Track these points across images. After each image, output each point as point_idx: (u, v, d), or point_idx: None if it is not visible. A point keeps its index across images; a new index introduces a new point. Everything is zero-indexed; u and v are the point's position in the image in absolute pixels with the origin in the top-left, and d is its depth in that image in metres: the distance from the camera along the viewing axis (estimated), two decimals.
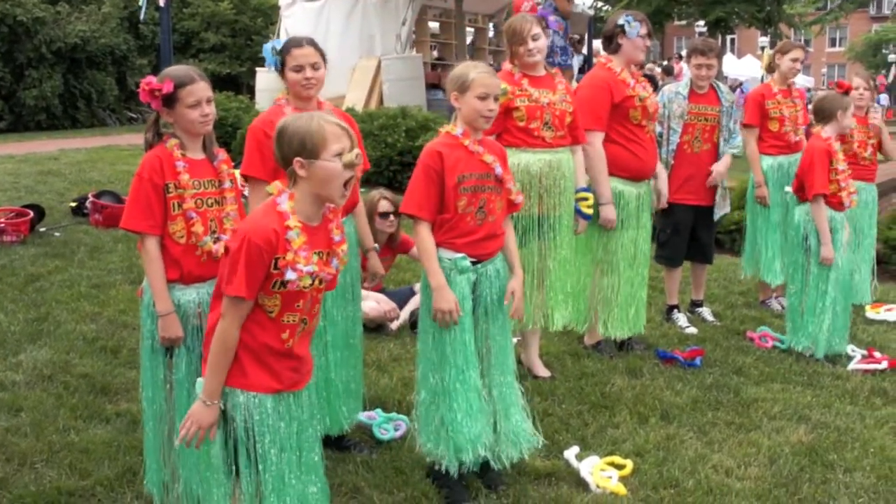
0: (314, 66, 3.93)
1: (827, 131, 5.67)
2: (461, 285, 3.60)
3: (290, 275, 2.69)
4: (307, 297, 2.80)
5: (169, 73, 3.35)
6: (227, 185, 3.46)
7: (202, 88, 3.32)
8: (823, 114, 5.69)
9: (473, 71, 3.65)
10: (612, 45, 5.40)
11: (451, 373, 3.56)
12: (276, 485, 2.77)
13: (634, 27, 5.26)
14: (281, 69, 3.94)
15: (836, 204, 5.62)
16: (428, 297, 3.62)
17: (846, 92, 5.66)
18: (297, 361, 2.85)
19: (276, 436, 2.78)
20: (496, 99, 3.66)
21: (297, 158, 2.71)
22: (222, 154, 3.50)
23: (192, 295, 3.38)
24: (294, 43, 3.95)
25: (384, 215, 6.04)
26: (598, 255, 5.35)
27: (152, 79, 3.32)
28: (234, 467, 2.79)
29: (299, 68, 3.90)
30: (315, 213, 2.81)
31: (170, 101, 3.30)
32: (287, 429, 2.80)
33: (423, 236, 3.62)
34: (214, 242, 3.36)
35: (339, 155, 2.71)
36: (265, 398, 2.77)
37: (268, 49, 3.93)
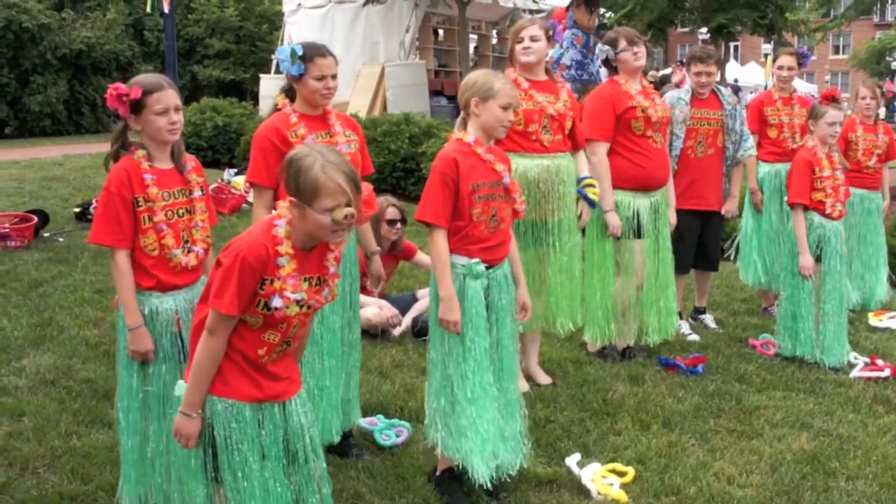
0: (334, 77, 3.91)
1: (811, 140, 5.69)
2: (475, 290, 3.61)
3: (277, 302, 2.67)
4: (292, 321, 2.77)
5: (138, 80, 3.33)
6: (197, 194, 3.43)
7: (170, 96, 3.28)
8: (812, 121, 5.73)
9: (498, 81, 3.66)
10: (611, 69, 5.54)
11: (470, 379, 3.56)
12: (261, 493, 2.75)
13: (612, 50, 5.38)
14: (298, 76, 3.85)
15: (824, 212, 5.61)
16: (438, 304, 3.60)
17: (833, 100, 5.65)
18: (274, 377, 2.81)
19: (256, 444, 2.75)
20: (514, 110, 3.72)
21: (291, 199, 2.68)
22: (192, 163, 3.46)
23: (170, 303, 3.36)
24: (318, 52, 3.88)
25: (392, 222, 6.04)
26: (611, 263, 5.40)
27: (121, 84, 3.30)
28: (214, 472, 2.77)
29: (322, 77, 3.86)
30: (310, 243, 2.77)
31: (137, 107, 3.27)
32: (269, 437, 2.77)
33: (441, 245, 3.59)
34: (187, 253, 3.35)
35: (330, 210, 2.64)
36: (243, 407, 2.74)
37: (287, 53, 3.80)
